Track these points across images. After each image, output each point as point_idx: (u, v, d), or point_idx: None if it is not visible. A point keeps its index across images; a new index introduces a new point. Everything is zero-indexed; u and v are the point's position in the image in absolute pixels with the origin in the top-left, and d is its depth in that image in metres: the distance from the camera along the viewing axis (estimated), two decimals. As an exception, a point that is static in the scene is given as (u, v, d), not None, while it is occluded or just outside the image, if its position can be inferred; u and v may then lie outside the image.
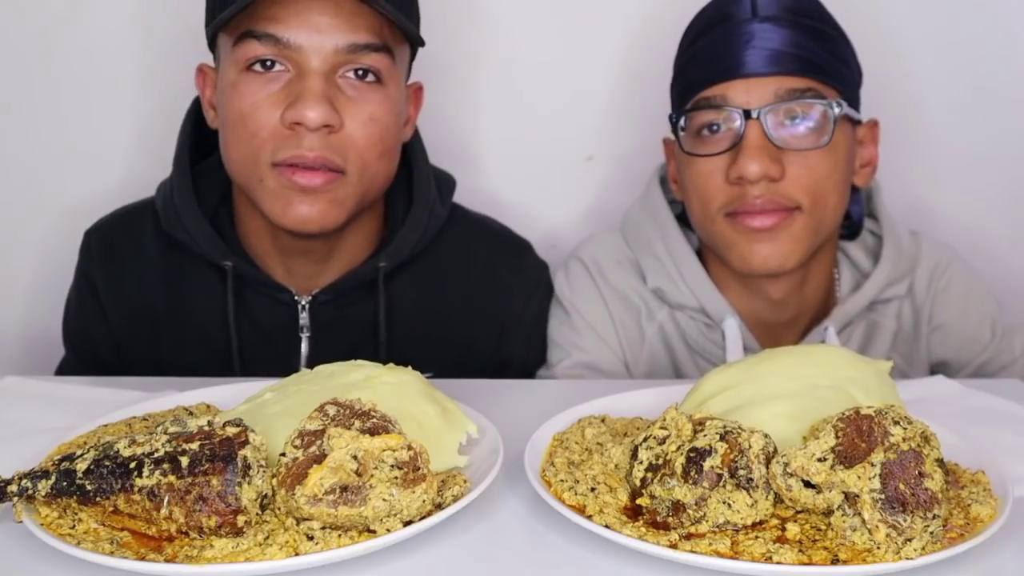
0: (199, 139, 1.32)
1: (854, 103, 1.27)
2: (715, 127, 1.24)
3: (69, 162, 1.64)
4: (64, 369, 1.40)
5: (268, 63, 1.16)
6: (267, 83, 1.17)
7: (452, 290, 1.36)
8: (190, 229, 1.27)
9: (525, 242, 1.44)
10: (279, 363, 1.28)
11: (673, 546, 0.76)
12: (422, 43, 1.23)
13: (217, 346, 1.30)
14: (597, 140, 1.68)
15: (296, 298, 1.30)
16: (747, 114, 1.20)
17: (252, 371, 1.30)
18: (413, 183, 1.33)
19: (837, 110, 1.21)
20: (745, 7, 1.23)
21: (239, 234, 1.32)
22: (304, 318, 1.30)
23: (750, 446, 0.79)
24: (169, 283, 1.32)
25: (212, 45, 1.24)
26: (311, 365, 1.26)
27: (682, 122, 1.27)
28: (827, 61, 1.22)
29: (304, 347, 1.31)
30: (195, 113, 1.32)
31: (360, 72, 1.18)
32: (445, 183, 1.37)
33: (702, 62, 1.25)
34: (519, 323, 1.40)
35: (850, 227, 1.39)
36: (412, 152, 1.33)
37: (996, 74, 1.65)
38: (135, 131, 1.63)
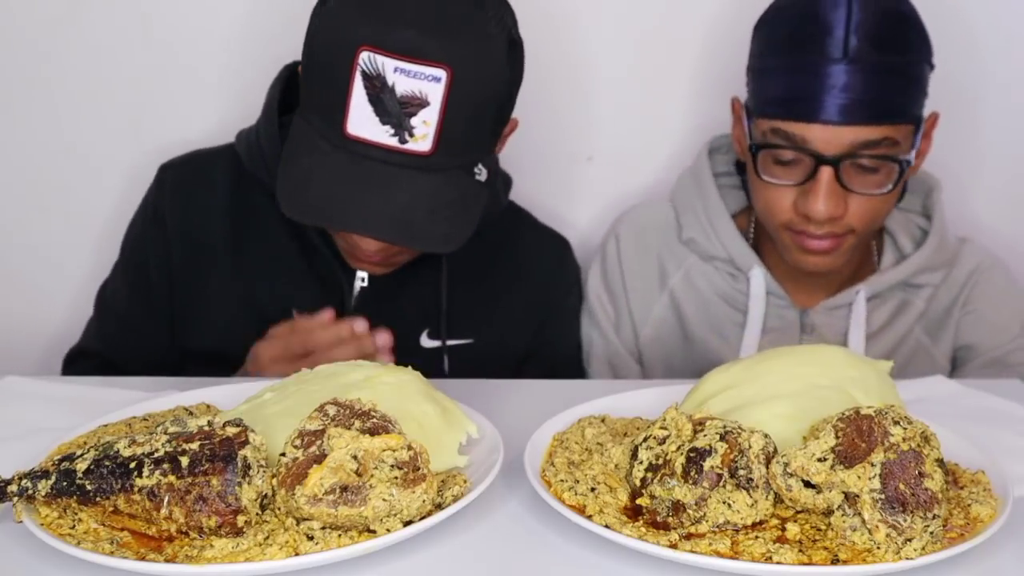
0: (289, 93, 1.33)
1: (921, 113, 1.30)
2: (792, 159, 1.28)
3: (69, 163, 1.64)
4: (106, 289, 1.43)
5: None
6: None
7: (500, 271, 1.42)
8: (271, 169, 1.30)
9: (566, 240, 1.52)
10: (329, 302, 1.32)
11: (673, 546, 0.76)
12: (451, 248, 1.20)
13: (273, 283, 1.34)
14: (597, 140, 1.68)
15: None
16: (822, 159, 1.25)
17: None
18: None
19: (906, 164, 1.27)
20: (837, 43, 1.23)
21: None
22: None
23: (750, 446, 0.80)
24: (235, 218, 1.36)
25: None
26: (359, 312, 1.32)
27: (757, 151, 1.31)
28: (904, 99, 1.27)
29: (356, 288, 1.33)
30: (284, 75, 1.34)
31: None
32: (506, 178, 1.44)
33: (785, 88, 1.27)
34: (557, 313, 1.47)
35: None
36: None
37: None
38: (136, 131, 1.63)
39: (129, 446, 0.78)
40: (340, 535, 0.76)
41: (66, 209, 1.64)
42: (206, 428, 0.80)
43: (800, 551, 0.75)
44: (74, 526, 0.78)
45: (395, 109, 1.11)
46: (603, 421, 0.99)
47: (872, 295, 1.41)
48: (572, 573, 0.78)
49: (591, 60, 1.65)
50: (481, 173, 1.21)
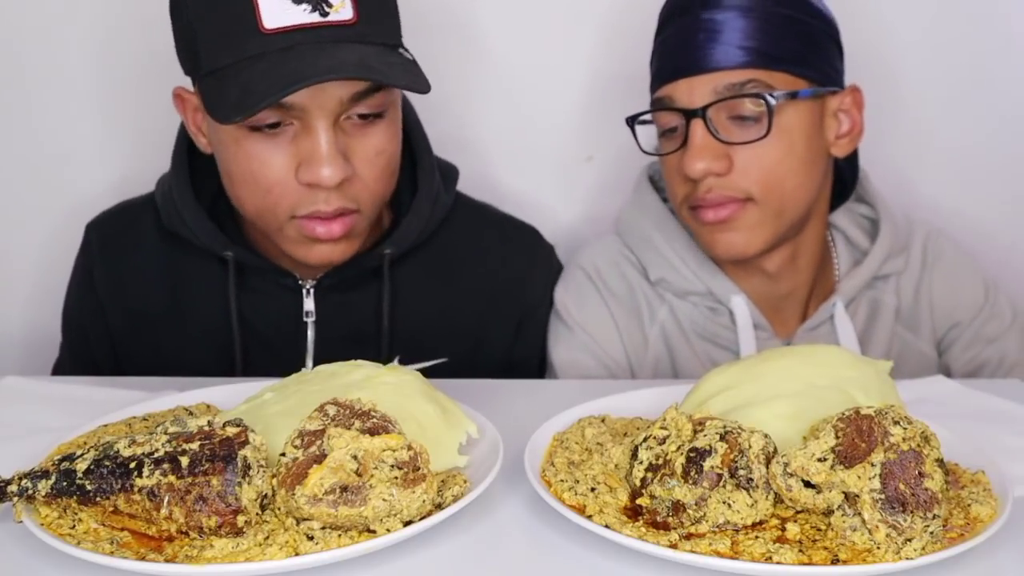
0: None
1: (820, 78, 1.27)
2: (672, 128, 1.28)
3: (67, 162, 1.64)
4: (59, 370, 1.40)
5: (274, 123, 1.13)
6: (272, 139, 1.13)
7: (464, 279, 1.36)
8: (189, 222, 1.27)
9: (533, 228, 1.44)
10: (286, 350, 1.29)
11: (673, 546, 0.76)
12: (427, 89, 1.14)
13: (220, 340, 1.29)
14: (597, 140, 1.68)
15: (300, 283, 1.29)
16: (692, 113, 1.23)
17: (257, 361, 1.29)
18: (417, 171, 1.32)
19: (772, 101, 1.22)
20: (692, 1, 1.25)
21: (241, 224, 1.31)
22: (309, 304, 1.29)
23: (750, 446, 0.80)
24: (170, 279, 1.32)
25: (191, 75, 1.19)
26: (317, 352, 1.28)
27: (633, 123, 1.32)
28: (773, 46, 1.23)
29: (311, 333, 1.30)
30: None
31: (364, 114, 1.16)
32: (449, 171, 1.37)
33: (658, 58, 1.30)
34: (536, 314, 1.40)
35: (842, 191, 1.41)
36: (415, 140, 1.32)
37: (984, 64, 1.65)
38: (133, 130, 1.63)
39: (129, 446, 0.78)
40: (340, 535, 0.76)
41: (63, 210, 1.64)
42: (206, 428, 0.80)
43: (800, 551, 0.75)
44: (74, 526, 0.78)
45: None
46: (603, 421, 0.99)
47: (847, 301, 1.35)
48: (572, 573, 0.78)
49: (591, 60, 1.65)
50: (408, 53, 1.17)
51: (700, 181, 1.24)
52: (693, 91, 1.24)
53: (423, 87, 1.12)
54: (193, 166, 1.30)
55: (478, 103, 1.65)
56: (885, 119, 1.56)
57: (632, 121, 1.32)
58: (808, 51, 1.25)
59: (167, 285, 1.32)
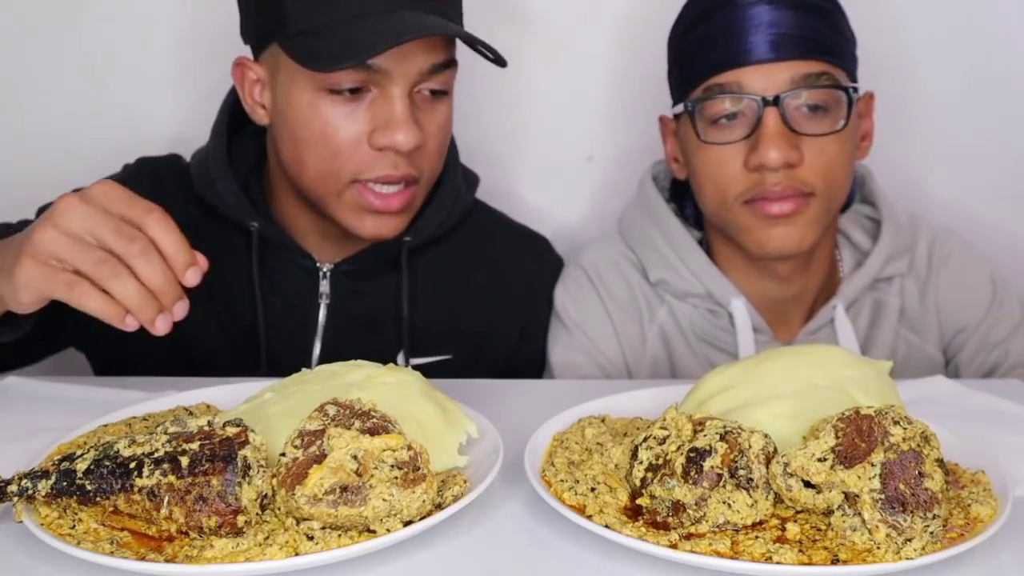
0: (239, 111, 1.32)
1: (855, 77, 1.28)
2: (732, 114, 1.24)
3: (64, 161, 1.64)
4: None
5: (354, 88, 1.17)
6: (349, 103, 1.17)
7: (474, 278, 1.39)
8: (221, 191, 1.29)
9: (544, 238, 1.48)
10: (297, 330, 1.32)
11: (673, 546, 0.76)
12: (503, 63, 1.19)
13: (238, 310, 1.31)
14: (597, 140, 1.68)
15: (318, 265, 1.32)
16: (765, 101, 1.20)
17: (271, 336, 1.31)
18: (443, 167, 1.35)
19: (855, 95, 1.23)
20: None
21: (270, 202, 1.34)
22: (324, 286, 1.32)
23: (750, 446, 0.80)
24: (197, 244, 1.32)
25: (255, 45, 1.22)
26: (327, 335, 1.32)
27: (695, 108, 1.26)
28: (833, 40, 1.23)
29: (322, 315, 1.32)
30: (232, 98, 1.33)
31: (434, 89, 1.20)
32: (470, 176, 1.41)
33: (709, 47, 1.25)
34: (540, 320, 1.43)
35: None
36: None
37: (994, 66, 1.65)
38: (132, 128, 1.63)
39: (129, 446, 0.78)
40: (340, 535, 0.76)
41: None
42: (206, 428, 0.80)
43: (800, 551, 0.75)
44: (74, 526, 0.78)
45: None
46: (603, 421, 0.99)
47: (849, 304, 1.35)
48: (572, 573, 0.78)
49: (591, 60, 1.65)
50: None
51: (769, 174, 1.21)
52: (767, 78, 1.21)
53: (503, 60, 1.18)
54: (231, 142, 1.33)
55: (477, 105, 1.65)
56: (895, 119, 1.56)
57: (692, 106, 1.26)
58: (848, 46, 1.27)
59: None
